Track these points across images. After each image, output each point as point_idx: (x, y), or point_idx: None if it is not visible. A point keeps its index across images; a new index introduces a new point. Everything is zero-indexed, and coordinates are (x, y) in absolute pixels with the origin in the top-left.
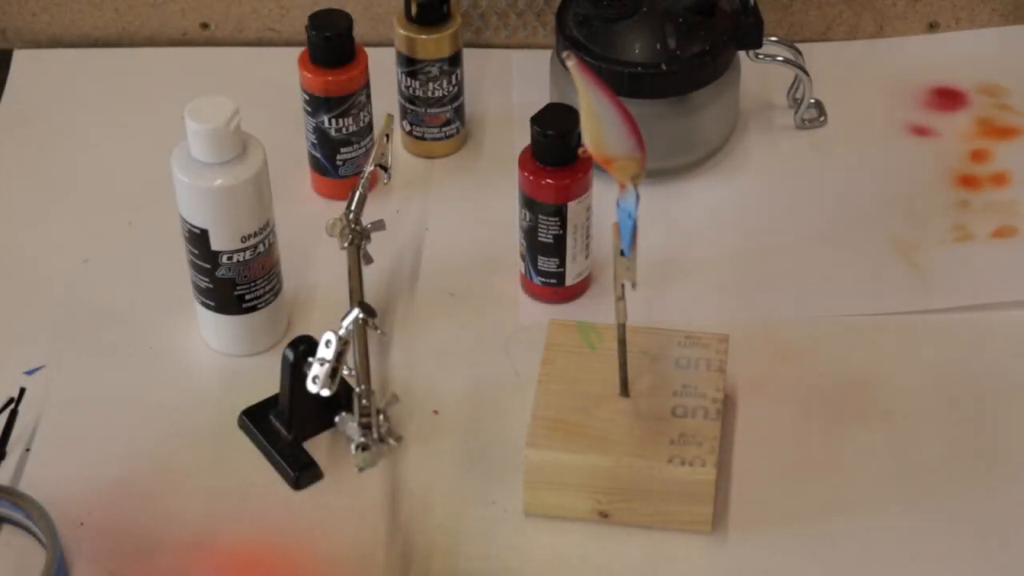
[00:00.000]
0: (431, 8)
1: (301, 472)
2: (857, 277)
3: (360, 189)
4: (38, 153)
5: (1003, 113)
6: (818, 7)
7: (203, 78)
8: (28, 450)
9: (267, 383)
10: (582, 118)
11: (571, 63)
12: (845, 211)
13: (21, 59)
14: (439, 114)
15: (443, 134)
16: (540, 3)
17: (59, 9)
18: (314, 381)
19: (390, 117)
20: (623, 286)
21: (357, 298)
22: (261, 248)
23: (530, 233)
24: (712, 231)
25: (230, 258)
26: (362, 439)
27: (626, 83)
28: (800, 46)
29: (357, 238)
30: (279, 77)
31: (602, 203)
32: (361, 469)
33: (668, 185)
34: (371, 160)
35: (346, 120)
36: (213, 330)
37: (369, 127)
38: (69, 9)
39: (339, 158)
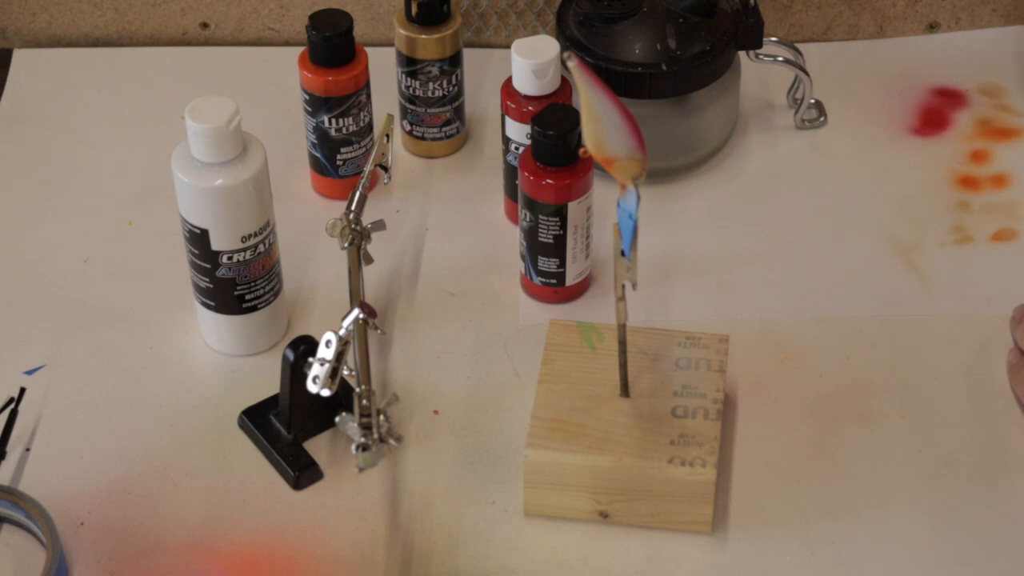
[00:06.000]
0: (431, 8)
1: (301, 472)
2: (857, 277)
3: (360, 189)
4: (38, 153)
5: (1003, 114)
6: (818, 7)
7: (203, 78)
8: (28, 450)
9: (267, 383)
10: (582, 118)
11: (571, 63)
12: (845, 211)
13: (21, 59)
14: (439, 114)
15: (443, 134)
16: (540, 3)
17: (59, 9)
18: (314, 381)
19: (390, 117)
20: (623, 286)
21: (357, 298)
22: (261, 248)
23: (530, 233)
24: (712, 231)
25: (230, 258)
26: (362, 439)
27: (626, 83)
28: (800, 46)
29: (357, 238)
30: (279, 77)
31: (602, 203)
32: (361, 469)
33: (668, 185)
34: (371, 160)
35: (346, 120)
36: (213, 330)
37: (369, 127)
38: (69, 9)
39: (339, 158)
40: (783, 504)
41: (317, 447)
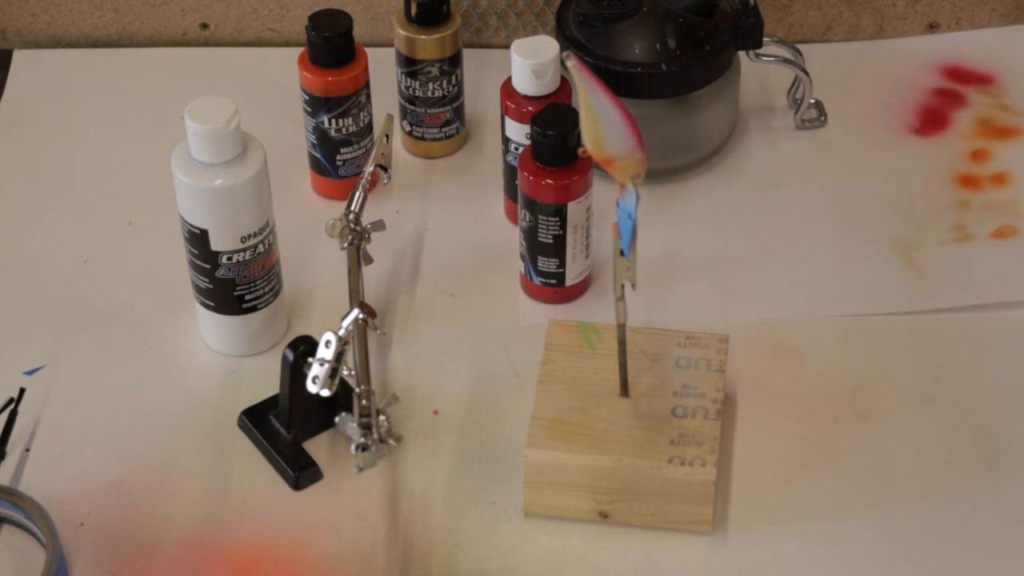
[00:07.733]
0: (431, 8)
1: (301, 472)
2: (857, 277)
3: (360, 189)
4: (38, 153)
5: (1003, 113)
6: (818, 7)
7: (203, 78)
8: (28, 450)
9: (267, 383)
10: (582, 118)
11: (571, 63)
12: (845, 211)
13: (21, 59)
14: (439, 114)
15: (443, 134)
16: (540, 3)
17: (59, 9)
18: (314, 381)
19: (390, 117)
20: (623, 286)
21: (357, 298)
22: (261, 248)
23: (530, 233)
24: (713, 231)
25: (230, 258)
26: (362, 439)
27: (626, 83)
28: (800, 46)
29: (357, 238)
30: (279, 77)
31: (602, 203)
32: (361, 469)
33: (668, 185)
34: (371, 160)
35: (346, 120)
36: (213, 330)
37: (369, 127)
38: (69, 9)
39: (339, 158)
40: (783, 504)
41: (317, 447)
